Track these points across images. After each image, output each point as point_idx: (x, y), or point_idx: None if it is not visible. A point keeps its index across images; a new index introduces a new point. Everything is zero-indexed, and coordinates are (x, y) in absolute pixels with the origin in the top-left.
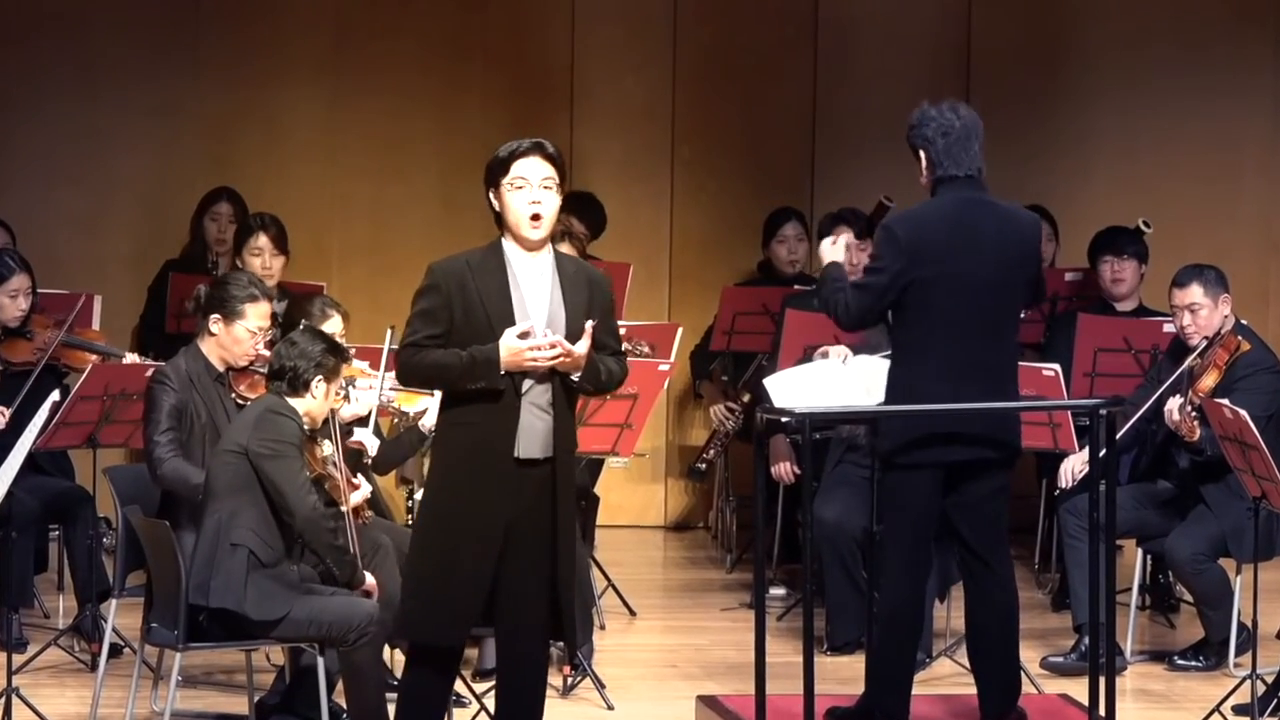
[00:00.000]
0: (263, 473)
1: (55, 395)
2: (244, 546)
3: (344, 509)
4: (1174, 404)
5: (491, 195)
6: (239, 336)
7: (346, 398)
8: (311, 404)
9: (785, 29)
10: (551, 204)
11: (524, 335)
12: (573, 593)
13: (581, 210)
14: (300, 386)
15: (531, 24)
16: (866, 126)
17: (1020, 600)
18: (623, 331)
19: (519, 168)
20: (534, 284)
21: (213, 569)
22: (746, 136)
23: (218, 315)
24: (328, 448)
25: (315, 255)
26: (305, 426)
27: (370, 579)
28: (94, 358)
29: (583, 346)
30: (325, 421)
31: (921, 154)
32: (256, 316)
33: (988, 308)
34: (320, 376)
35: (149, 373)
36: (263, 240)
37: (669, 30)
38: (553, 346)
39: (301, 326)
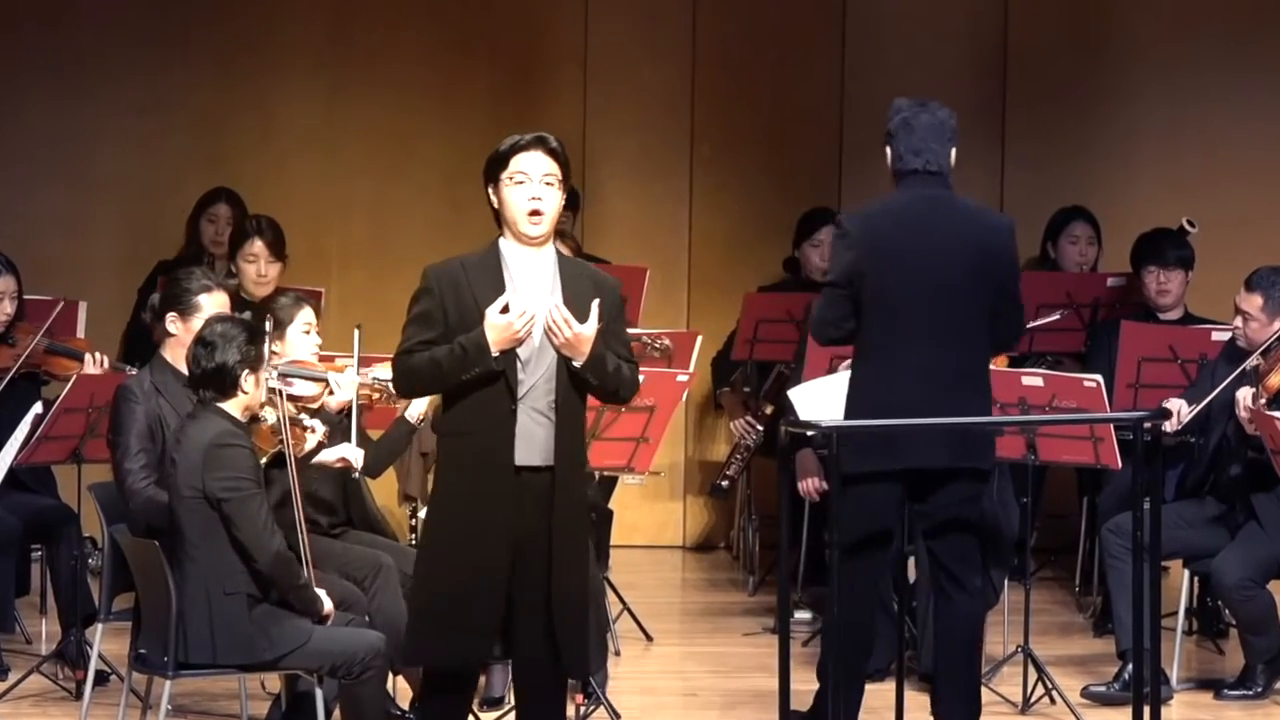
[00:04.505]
0: (225, 517)
1: (38, 408)
2: (239, 593)
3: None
4: (1245, 393)
5: (490, 191)
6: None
7: (330, 389)
8: (244, 398)
9: (811, 17)
10: (553, 201)
11: (505, 311)
12: (575, 615)
13: None
14: (229, 387)
15: (541, 13)
16: None
17: (1060, 625)
18: (639, 334)
19: (519, 162)
20: (532, 282)
21: (213, 625)
22: (770, 132)
23: (174, 313)
24: (271, 415)
25: (314, 258)
26: (245, 420)
27: (329, 605)
28: (78, 365)
29: (589, 328)
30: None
31: (888, 148)
32: (213, 308)
33: (945, 311)
34: (246, 371)
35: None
36: (258, 245)
37: (688, 19)
38: (551, 312)
39: (206, 321)
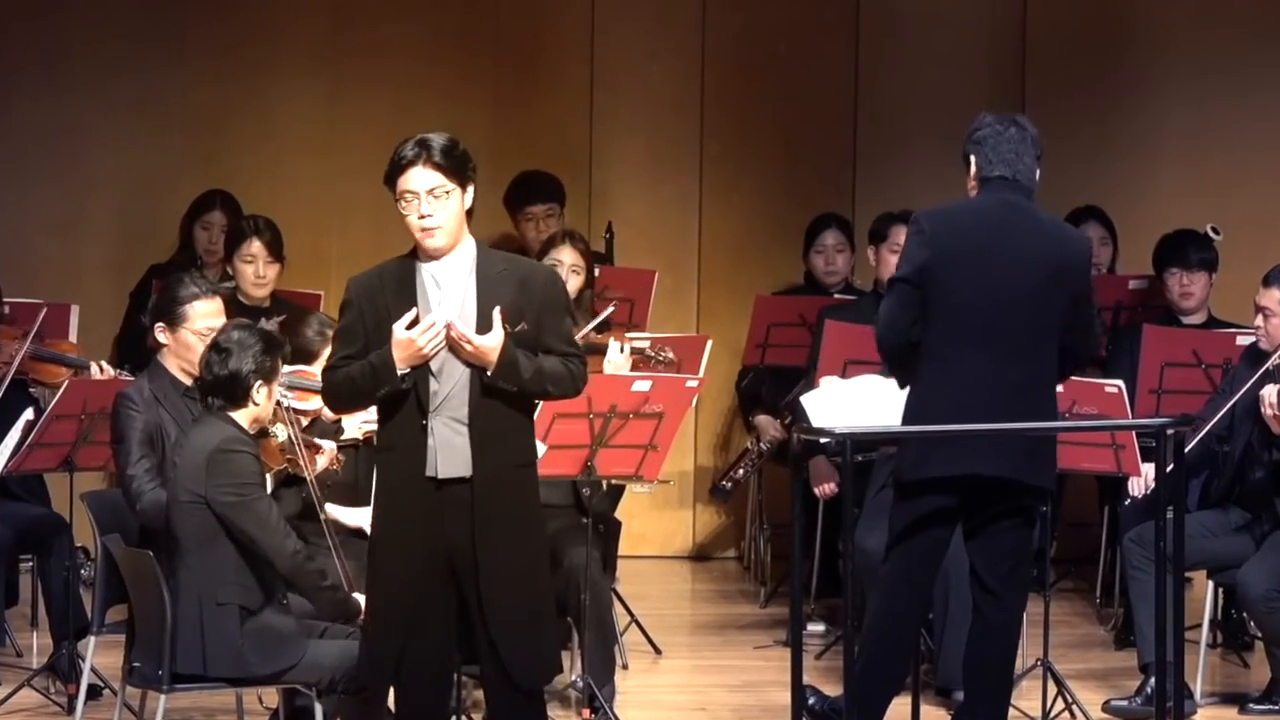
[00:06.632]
0: (231, 524)
1: (29, 414)
2: (231, 604)
3: (325, 523)
4: (1270, 391)
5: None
6: (188, 343)
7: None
8: (255, 410)
9: (824, 12)
10: (446, 211)
11: (413, 325)
12: (513, 623)
13: (532, 194)
14: (240, 397)
15: (547, 9)
16: (913, 119)
17: (1081, 637)
18: (643, 345)
19: (404, 182)
20: (447, 290)
21: (203, 635)
22: (782, 131)
23: (161, 324)
24: (281, 432)
25: (313, 261)
26: (254, 433)
27: (362, 601)
28: (66, 372)
29: (492, 338)
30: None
31: (972, 158)
32: (204, 317)
33: (1017, 322)
34: (259, 381)
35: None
36: (256, 246)
37: (697, 15)
38: (448, 329)
39: (222, 327)
